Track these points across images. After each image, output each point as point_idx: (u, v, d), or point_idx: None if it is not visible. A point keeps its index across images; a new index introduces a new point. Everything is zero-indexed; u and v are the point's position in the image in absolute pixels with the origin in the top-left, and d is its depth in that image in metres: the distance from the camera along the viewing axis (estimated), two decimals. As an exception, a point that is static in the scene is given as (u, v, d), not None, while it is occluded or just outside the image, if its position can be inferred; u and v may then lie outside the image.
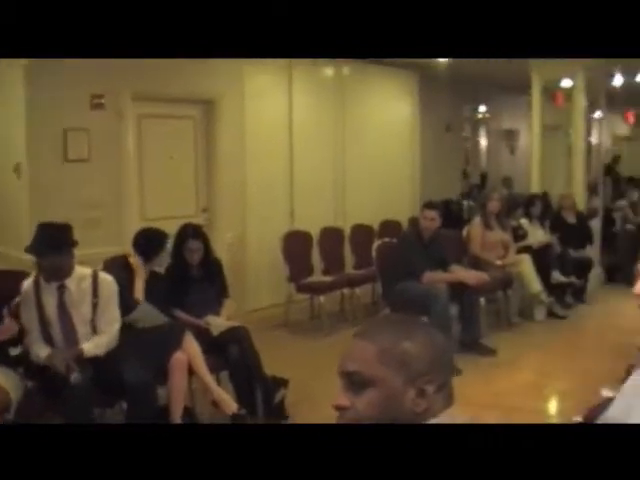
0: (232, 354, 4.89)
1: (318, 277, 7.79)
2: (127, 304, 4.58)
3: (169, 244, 5.15)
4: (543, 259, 8.06)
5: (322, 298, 7.47)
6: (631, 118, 17.55)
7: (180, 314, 5.05)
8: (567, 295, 8.51)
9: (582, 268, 8.75)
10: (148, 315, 4.74)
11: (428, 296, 6.19)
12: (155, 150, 7.24)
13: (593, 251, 9.37)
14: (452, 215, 10.02)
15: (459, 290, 6.52)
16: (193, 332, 4.77)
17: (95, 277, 4.33)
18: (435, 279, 6.39)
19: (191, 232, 5.22)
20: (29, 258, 4.36)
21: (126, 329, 4.51)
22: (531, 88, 9.71)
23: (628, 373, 2.40)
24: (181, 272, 5.17)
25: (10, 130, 6.54)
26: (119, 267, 4.99)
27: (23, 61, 5.99)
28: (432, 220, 6.55)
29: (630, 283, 2.29)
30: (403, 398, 1.51)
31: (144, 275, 5.00)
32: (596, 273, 9.38)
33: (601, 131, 11.70)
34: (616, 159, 16.77)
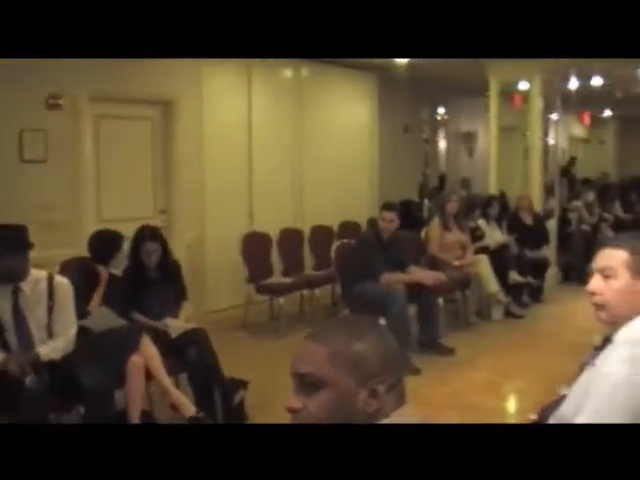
0: (190, 356, 4.87)
1: (277, 278, 7.78)
2: (81, 308, 4.53)
3: (125, 245, 5.10)
4: (500, 259, 8.16)
5: (281, 299, 7.46)
6: (587, 119, 17.78)
7: (138, 317, 5.01)
8: (524, 295, 8.63)
9: (538, 268, 8.87)
10: (105, 318, 4.70)
11: (386, 297, 6.21)
12: (113, 151, 7.17)
13: (549, 251, 9.49)
14: (411, 215, 10.08)
15: (417, 291, 6.55)
16: (151, 335, 4.72)
17: (51, 280, 4.27)
18: (393, 280, 6.42)
19: (148, 234, 5.17)
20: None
21: (82, 332, 4.46)
22: (489, 90, 9.81)
23: (581, 371, 2.44)
24: (138, 274, 5.13)
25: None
26: (76, 270, 4.94)
27: (-23, 61, 5.91)
28: (390, 221, 6.58)
29: (585, 282, 2.33)
30: (355, 399, 1.52)
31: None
32: (552, 273, 9.51)
33: (557, 133, 11.88)
34: (572, 161, 17.04)
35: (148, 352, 4.60)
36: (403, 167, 11.49)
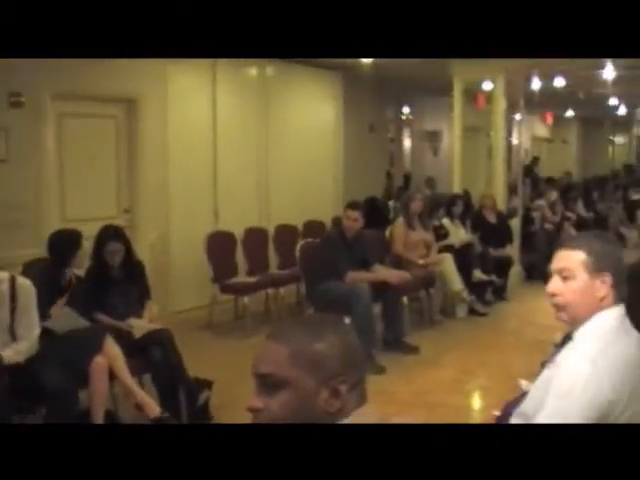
0: (155, 356, 4.84)
1: (242, 278, 7.75)
2: (44, 309, 4.49)
3: (86, 244, 5.05)
4: (464, 258, 8.21)
5: (246, 299, 7.44)
6: (549, 119, 18.00)
7: (101, 317, 4.97)
8: (488, 293, 8.70)
9: (502, 266, 8.95)
10: (67, 319, 4.66)
11: (351, 295, 6.22)
12: (76, 150, 7.11)
13: (513, 250, 9.58)
14: (377, 211, 10.11)
15: (382, 289, 6.56)
16: (115, 335, 4.69)
17: (13, 282, 4.20)
18: (358, 278, 6.43)
19: (112, 234, 5.13)
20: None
21: (45, 334, 4.42)
22: (453, 90, 9.88)
23: (543, 369, 2.47)
24: (102, 274, 5.09)
25: None
26: (39, 270, 4.89)
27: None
28: (355, 220, 6.59)
29: (547, 281, 2.36)
30: (316, 399, 1.52)
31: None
32: (516, 271, 9.60)
33: (521, 132, 11.99)
34: (535, 160, 17.22)
35: (112, 352, 4.57)
36: (368, 166, 11.53)
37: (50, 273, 4.83)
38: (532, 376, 2.51)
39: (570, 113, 17.91)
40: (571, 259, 2.27)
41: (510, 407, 2.80)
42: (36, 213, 6.67)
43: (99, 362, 4.49)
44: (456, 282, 7.88)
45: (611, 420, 2.09)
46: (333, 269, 6.41)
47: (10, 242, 5.90)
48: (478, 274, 8.34)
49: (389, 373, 6.09)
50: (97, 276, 5.08)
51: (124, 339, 4.77)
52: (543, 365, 2.48)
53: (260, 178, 9.12)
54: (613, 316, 2.24)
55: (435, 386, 5.85)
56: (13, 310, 4.18)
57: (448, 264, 7.86)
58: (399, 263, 7.55)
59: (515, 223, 10.09)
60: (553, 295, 2.31)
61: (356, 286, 6.31)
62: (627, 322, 2.28)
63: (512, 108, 10.61)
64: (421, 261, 7.71)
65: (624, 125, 20.80)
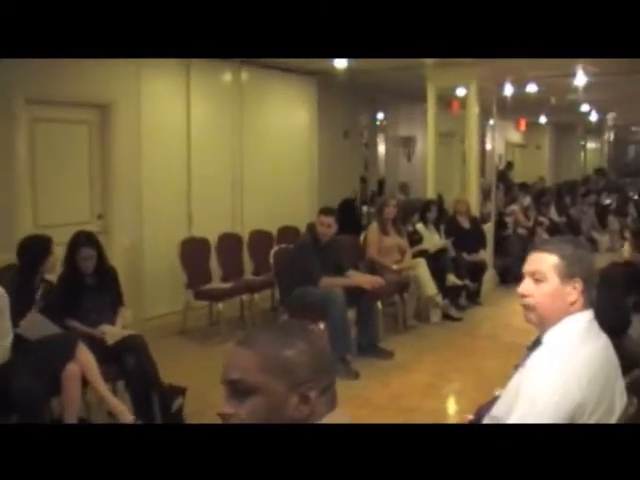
0: (128, 363, 4.82)
1: (216, 283, 7.73)
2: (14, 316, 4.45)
3: (58, 250, 5.01)
4: (438, 263, 8.25)
5: (220, 305, 7.42)
6: (523, 125, 18.15)
7: (74, 324, 4.94)
8: (462, 297, 8.74)
9: (476, 271, 8.99)
10: (39, 325, 4.62)
11: (325, 301, 6.23)
12: (49, 155, 7.04)
13: (486, 254, 9.63)
14: (351, 213, 10.16)
15: (356, 295, 6.57)
16: (87, 342, 4.67)
17: (-15, 289, 4.19)
18: (332, 284, 6.44)
19: (84, 239, 5.10)
20: None
21: (18, 341, 4.38)
22: (427, 96, 9.93)
23: (514, 372, 2.49)
24: (74, 281, 5.06)
25: None
26: (11, 277, 4.85)
27: None
28: (329, 226, 6.59)
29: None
30: (286, 405, 1.53)
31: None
32: (490, 275, 9.66)
33: (494, 138, 12.08)
34: (509, 165, 17.35)
35: (84, 359, 4.55)
36: (343, 172, 11.55)
37: (20, 279, 4.78)
38: (506, 379, 2.52)
39: (543, 119, 18.09)
40: (544, 262, 2.29)
41: (483, 411, 2.82)
42: (8, 218, 6.59)
43: (72, 369, 4.46)
44: (430, 287, 7.90)
45: (581, 422, 2.11)
46: (307, 275, 6.41)
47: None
48: (452, 279, 8.37)
49: (364, 378, 6.10)
50: (70, 282, 5.05)
51: (97, 346, 4.75)
52: (516, 368, 2.50)
53: (234, 184, 9.09)
54: (582, 320, 2.27)
55: (410, 390, 5.87)
56: (-15, 317, 4.15)
57: (422, 269, 7.89)
58: (373, 268, 7.57)
59: (489, 228, 10.16)
60: (523, 296, 2.34)
61: (330, 291, 6.32)
62: (596, 326, 2.31)
63: (485, 114, 10.68)
64: (395, 266, 7.74)
65: (596, 131, 21.05)
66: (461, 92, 10.20)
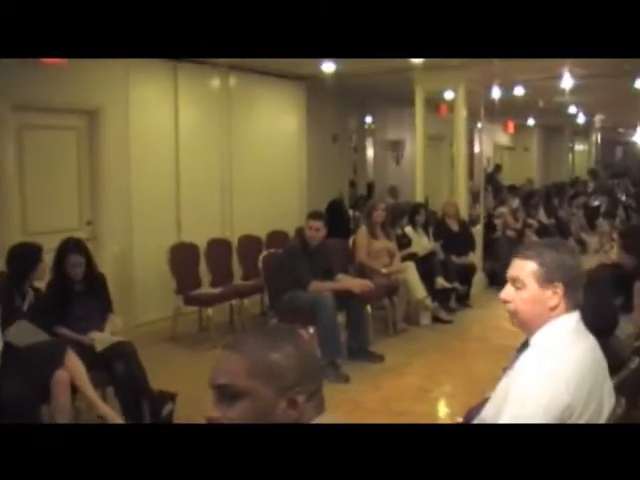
0: (117, 370, 4.82)
1: (206, 289, 7.72)
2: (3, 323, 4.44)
3: (47, 257, 5.00)
4: (427, 266, 8.26)
5: (210, 310, 7.41)
6: (511, 127, 18.22)
7: (63, 330, 4.92)
8: (451, 300, 8.76)
9: (465, 273, 9.02)
10: (27, 333, 4.60)
11: (315, 305, 6.23)
12: (37, 162, 7.03)
13: (476, 257, 9.66)
14: (339, 215, 10.16)
15: (346, 298, 6.58)
16: (76, 348, 4.66)
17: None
18: (321, 288, 6.44)
19: (72, 246, 5.10)
20: None
21: (7, 348, 4.37)
22: (415, 99, 9.95)
23: (503, 375, 2.50)
24: (63, 287, 5.05)
25: None
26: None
27: None
28: (317, 230, 6.58)
29: (509, 287, 2.40)
30: (274, 409, 1.53)
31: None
32: (479, 278, 9.67)
33: (482, 141, 12.11)
34: (497, 168, 17.40)
35: (73, 366, 4.53)
36: (332, 176, 11.54)
37: (9, 287, 4.77)
38: (497, 382, 2.54)
39: (531, 121, 18.16)
40: (522, 269, 2.31)
41: (473, 413, 2.83)
42: (-3, 226, 6.59)
43: (61, 376, 4.45)
44: (419, 290, 7.91)
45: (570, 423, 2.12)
46: (296, 279, 6.41)
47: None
48: (441, 281, 8.38)
49: (354, 382, 6.10)
50: (58, 289, 5.04)
51: (86, 352, 4.74)
52: (505, 371, 2.51)
53: (223, 189, 9.09)
54: (568, 322, 2.28)
55: (400, 394, 5.87)
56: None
57: (411, 272, 7.89)
58: (363, 272, 7.57)
59: (478, 230, 10.18)
60: (505, 302, 2.35)
61: (320, 295, 6.32)
62: (583, 327, 2.32)
63: (473, 117, 10.72)
64: (384, 270, 7.74)
65: (583, 133, 21.14)
66: (449, 95, 10.23)
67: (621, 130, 22.68)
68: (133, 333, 6.24)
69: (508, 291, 2.36)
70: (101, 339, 4.96)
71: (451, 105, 10.27)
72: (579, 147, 22.69)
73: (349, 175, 12.84)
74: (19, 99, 6.68)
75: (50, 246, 5.20)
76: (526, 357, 2.26)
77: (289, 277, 6.42)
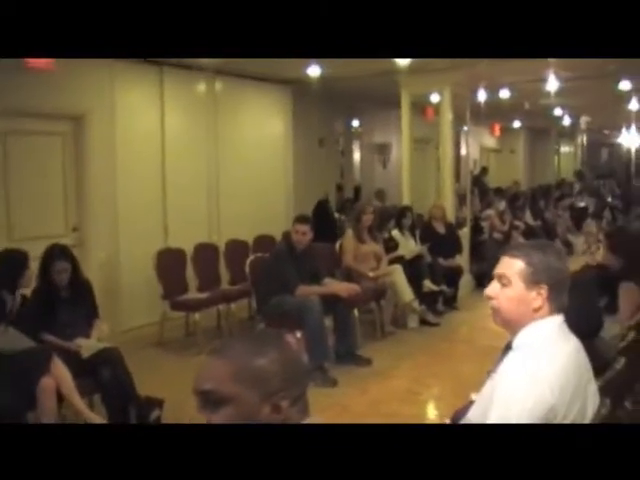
0: (104, 376, 4.81)
1: (193, 294, 7.70)
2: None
3: (32, 264, 4.98)
4: (414, 269, 8.27)
5: (197, 315, 7.39)
6: (497, 130, 18.29)
7: (49, 337, 4.91)
8: (439, 303, 8.77)
9: (452, 276, 9.03)
10: (14, 340, 4.58)
11: (302, 309, 6.22)
12: (22, 168, 6.99)
13: (463, 259, 9.68)
14: (325, 217, 10.16)
15: (333, 302, 6.58)
16: (62, 355, 4.64)
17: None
18: (308, 292, 6.43)
19: (58, 252, 5.08)
20: None
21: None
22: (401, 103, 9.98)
23: (488, 377, 2.50)
24: (49, 294, 5.03)
25: None
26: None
27: None
28: (304, 234, 6.58)
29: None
30: (258, 414, 1.54)
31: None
32: (466, 280, 9.69)
33: (468, 144, 12.15)
34: (484, 170, 17.45)
35: (59, 373, 4.52)
36: (318, 180, 11.56)
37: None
38: (483, 384, 2.54)
39: (517, 124, 18.24)
40: (510, 267, 2.32)
41: (460, 415, 2.84)
42: (-18, 233, 6.56)
43: (47, 383, 4.44)
44: (407, 293, 7.91)
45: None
46: (283, 283, 6.40)
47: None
48: (428, 284, 8.39)
49: (342, 385, 6.10)
50: (44, 296, 5.02)
51: (72, 359, 4.72)
52: (489, 374, 2.52)
53: (210, 194, 9.08)
54: (551, 325, 2.29)
55: (388, 397, 5.87)
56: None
57: (398, 275, 7.89)
58: (350, 276, 7.57)
59: (464, 233, 10.21)
60: (490, 298, 2.36)
61: (307, 300, 6.31)
62: (566, 329, 2.33)
63: (460, 120, 10.75)
64: (371, 273, 7.74)
65: (569, 135, 21.23)
66: (435, 98, 10.26)
67: (606, 132, 22.79)
68: (120, 339, 6.22)
69: (493, 287, 2.37)
70: (87, 345, 4.94)
71: (437, 108, 10.29)
72: (565, 149, 22.78)
73: (336, 179, 12.85)
74: (4, 105, 6.65)
75: (36, 253, 5.17)
76: (510, 360, 2.26)
77: (276, 281, 6.42)
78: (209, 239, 8.72)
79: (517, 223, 12.04)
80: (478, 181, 15.26)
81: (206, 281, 7.98)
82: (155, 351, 7.26)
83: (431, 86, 9.99)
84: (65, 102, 7.26)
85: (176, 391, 5.35)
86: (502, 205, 12.01)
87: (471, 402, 2.71)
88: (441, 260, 8.92)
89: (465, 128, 11.81)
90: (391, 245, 8.49)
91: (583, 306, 2.90)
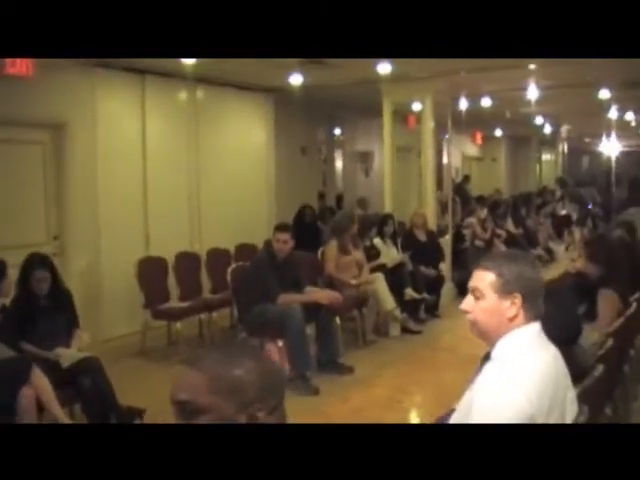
0: (84, 385, 4.79)
1: (174, 303, 7.68)
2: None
3: (12, 273, 4.95)
4: (396, 277, 8.28)
5: (179, 324, 7.37)
6: (479, 138, 18.37)
7: (28, 347, 4.87)
8: (420, 311, 8.78)
9: (434, 284, 9.04)
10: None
11: (284, 317, 6.21)
12: (2, 176, 6.96)
13: (444, 267, 9.70)
14: (309, 226, 10.16)
15: (314, 310, 6.57)
16: (42, 365, 4.61)
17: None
18: (290, 300, 6.42)
19: (38, 261, 5.06)
20: None
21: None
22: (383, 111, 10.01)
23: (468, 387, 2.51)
24: (28, 303, 5.00)
25: None
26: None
27: None
28: (285, 242, 6.58)
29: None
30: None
31: None
32: (448, 288, 9.71)
33: (449, 152, 12.18)
34: (466, 178, 17.51)
35: (39, 384, 4.50)
36: (301, 188, 11.54)
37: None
38: (464, 391, 2.55)
39: (499, 132, 18.33)
40: (482, 280, 2.34)
41: (441, 422, 2.85)
42: (-40, 242, 6.51)
43: (27, 394, 4.41)
44: (388, 301, 7.92)
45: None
46: (265, 292, 6.39)
47: None
48: (410, 292, 8.40)
49: (324, 394, 6.09)
50: (24, 305, 5.00)
51: (52, 369, 4.70)
52: (468, 384, 2.52)
53: (191, 202, 9.06)
54: (528, 333, 2.30)
55: (370, 405, 5.86)
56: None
57: (380, 283, 7.90)
58: (331, 284, 7.56)
59: (446, 241, 10.23)
60: (465, 312, 2.38)
61: (288, 308, 6.30)
62: (544, 337, 2.34)
63: (442, 128, 10.79)
64: (353, 281, 7.74)
65: (550, 143, 21.34)
66: (417, 107, 10.30)
67: (587, 140, 22.93)
68: (102, 348, 6.20)
69: (468, 301, 2.39)
70: (67, 355, 4.92)
71: (419, 116, 10.34)
72: (546, 157, 22.88)
73: (318, 187, 12.85)
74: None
75: (16, 261, 5.15)
76: (488, 370, 2.27)
77: (257, 290, 6.40)
78: (191, 247, 8.70)
79: (499, 231, 12.08)
80: (460, 189, 15.30)
81: (188, 290, 7.96)
82: (137, 360, 7.23)
83: (413, 94, 10.04)
84: (46, 110, 7.23)
85: (158, 400, 5.34)
86: (484, 213, 12.05)
87: (452, 410, 2.71)
88: (422, 268, 8.93)
89: (447, 136, 11.85)
90: (373, 253, 8.48)
91: (561, 313, 2.91)
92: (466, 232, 11.41)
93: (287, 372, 6.18)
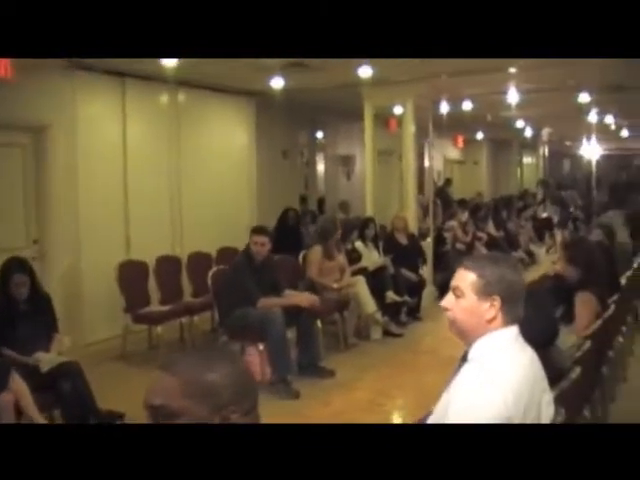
0: (63, 389, 4.78)
1: (155, 307, 7.66)
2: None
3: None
4: (377, 280, 8.29)
5: (160, 328, 7.34)
6: (460, 142, 18.44)
7: (6, 352, 4.86)
8: (402, 314, 8.79)
9: (415, 287, 9.07)
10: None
11: (264, 321, 6.21)
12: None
13: (426, 270, 9.72)
14: (291, 223, 10.16)
15: (295, 314, 6.58)
16: (21, 370, 4.59)
17: None
18: (270, 304, 6.42)
19: (16, 265, 5.04)
20: None
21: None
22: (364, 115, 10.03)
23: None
24: (7, 307, 4.99)
25: None
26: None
27: None
28: (262, 245, 6.58)
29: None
30: None
31: None
32: (429, 291, 9.73)
33: (431, 155, 12.24)
34: (448, 182, 17.56)
35: (18, 388, 4.48)
36: (282, 191, 11.54)
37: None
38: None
39: (480, 135, 18.41)
40: (463, 279, 2.36)
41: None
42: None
43: (5, 398, 4.40)
44: (370, 304, 7.93)
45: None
46: (244, 295, 6.39)
47: None
48: (391, 295, 8.41)
49: (305, 397, 6.09)
50: (2, 309, 4.99)
51: (31, 374, 4.68)
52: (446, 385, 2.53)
53: (173, 205, 9.03)
54: (506, 336, 2.32)
55: (351, 408, 5.87)
56: None
57: (361, 287, 7.91)
58: (312, 287, 7.55)
59: (427, 244, 10.26)
60: (445, 309, 2.40)
61: (269, 311, 6.30)
62: (521, 340, 2.35)
63: (423, 131, 10.83)
64: (335, 284, 7.75)
65: (531, 146, 21.49)
66: (398, 110, 10.33)
67: (568, 143, 23.09)
68: (82, 352, 6.17)
69: (449, 299, 2.41)
70: (46, 359, 4.91)
71: (400, 120, 10.36)
72: (527, 160, 23.05)
73: (300, 190, 12.85)
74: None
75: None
76: (464, 372, 2.29)
77: (237, 294, 6.40)
78: (172, 251, 8.68)
79: (480, 234, 12.12)
80: (442, 192, 15.36)
81: (168, 294, 7.94)
82: (117, 364, 7.20)
83: (394, 98, 10.07)
84: (26, 113, 7.18)
85: (137, 404, 5.33)
86: (465, 216, 12.09)
87: (430, 413, 2.72)
88: (404, 271, 8.95)
89: (428, 140, 11.90)
90: (354, 256, 8.50)
91: (539, 316, 2.92)
92: (447, 235, 11.45)
93: (268, 376, 6.18)
